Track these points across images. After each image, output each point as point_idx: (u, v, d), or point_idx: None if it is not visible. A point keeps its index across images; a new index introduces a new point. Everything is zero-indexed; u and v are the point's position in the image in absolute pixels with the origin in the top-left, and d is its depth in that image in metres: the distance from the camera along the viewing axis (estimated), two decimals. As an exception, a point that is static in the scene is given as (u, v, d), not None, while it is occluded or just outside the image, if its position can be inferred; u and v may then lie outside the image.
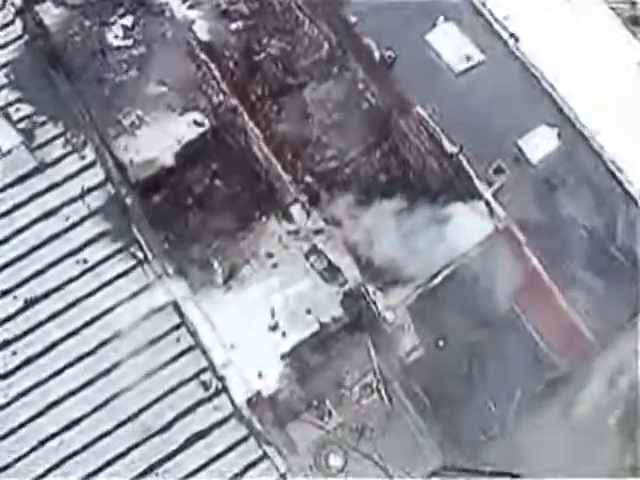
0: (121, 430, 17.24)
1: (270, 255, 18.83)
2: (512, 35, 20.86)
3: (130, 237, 18.45)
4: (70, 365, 17.58)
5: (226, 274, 18.59)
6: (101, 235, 18.44)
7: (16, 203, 18.46)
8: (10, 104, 19.18)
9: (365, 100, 20.56)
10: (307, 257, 18.71)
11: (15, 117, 19.04)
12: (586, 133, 20.39)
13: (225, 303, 18.29)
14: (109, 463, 17.01)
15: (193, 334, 17.81)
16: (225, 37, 20.67)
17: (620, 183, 20.15)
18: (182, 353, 17.75)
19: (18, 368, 17.52)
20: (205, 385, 17.59)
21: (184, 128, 19.42)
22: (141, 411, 17.36)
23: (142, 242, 18.41)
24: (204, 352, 17.72)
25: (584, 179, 20.13)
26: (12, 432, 17.13)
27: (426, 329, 18.88)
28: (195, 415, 17.42)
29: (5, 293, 17.96)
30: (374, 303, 18.45)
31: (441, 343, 19.01)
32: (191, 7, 20.67)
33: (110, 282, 18.13)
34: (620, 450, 19.40)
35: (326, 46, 20.91)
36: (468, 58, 20.70)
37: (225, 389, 17.53)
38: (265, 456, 17.30)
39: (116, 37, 20.09)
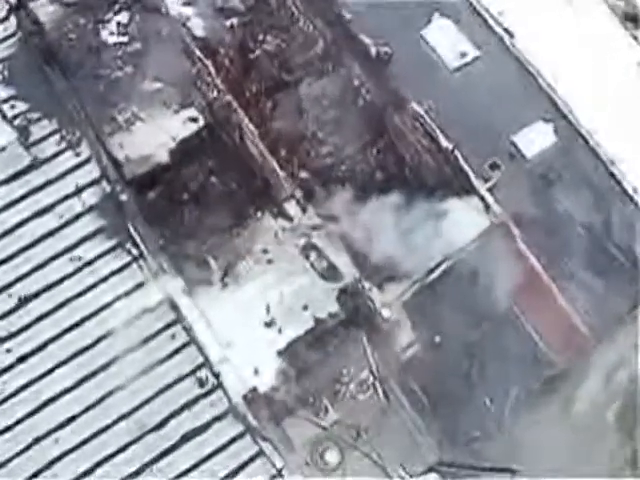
0: (117, 427, 17.17)
1: (266, 251, 18.80)
2: (507, 31, 20.85)
3: (125, 234, 18.40)
4: (65, 362, 17.51)
5: (222, 271, 18.54)
6: (96, 232, 18.39)
7: (10, 200, 18.39)
8: (5, 101, 19.11)
9: (360, 96, 20.54)
10: (303, 253, 18.68)
11: (10, 114, 18.98)
12: (581, 129, 20.37)
13: (221, 300, 18.25)
14: (105, 460, 16.94)
15: (189, 331, 17.76)
16: (220, 34, 20.64)
17: (616, 179, 20.13)
18: (178, 350, 17.70)
19: (12, 366, 17.45)
20: (201, 382, 17.55)
21: (179, 125, 19.38)
22: (137, 408, 17.30)
23: (137, 239, 18.36)
24: (200, 349, 17.68)
25: (580, 174, 20.12)
26: (7, 430, 17.05)
27: (422, 325, 18.85)
28: (191, 412, 17.37)
29: (-1, 291, 17.93)
30: (370, 299, 18.42)
31: (437, 339, 18.97)
32: (186, 4, 20.64)
33: (105, 279, 18.08)
34: (619, 446, 19.36)
35: (321, 43, 20.91)
36: (463, 54, 20.69)
37: (221, 386, 17.48)
38: (261, 452, 17.25)
39: (111, 34, 20.05)
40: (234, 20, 20.91)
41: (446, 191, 19.38)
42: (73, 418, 17.17)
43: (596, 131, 20.24)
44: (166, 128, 19.31)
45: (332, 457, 18.10)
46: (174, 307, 17.94)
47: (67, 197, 18.54)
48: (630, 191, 20.05)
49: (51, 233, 18.26)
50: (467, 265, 18.85)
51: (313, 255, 18.67)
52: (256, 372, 17.67)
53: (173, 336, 17.78)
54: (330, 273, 18.53)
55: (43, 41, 19.66)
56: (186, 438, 17.22)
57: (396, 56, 20.43)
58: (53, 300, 17.83)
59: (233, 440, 17.30)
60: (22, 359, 17.48)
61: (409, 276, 18.73)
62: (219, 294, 18.38)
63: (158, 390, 17.43)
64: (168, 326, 17.84)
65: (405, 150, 19.99)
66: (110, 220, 18.50)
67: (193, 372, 17.58)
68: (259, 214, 19.21)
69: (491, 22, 21.02)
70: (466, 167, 19.47)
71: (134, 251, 18.30)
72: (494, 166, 19.70)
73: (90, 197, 18.61)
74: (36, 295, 17.84)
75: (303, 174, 19.71)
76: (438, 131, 19.70)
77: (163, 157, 19.12)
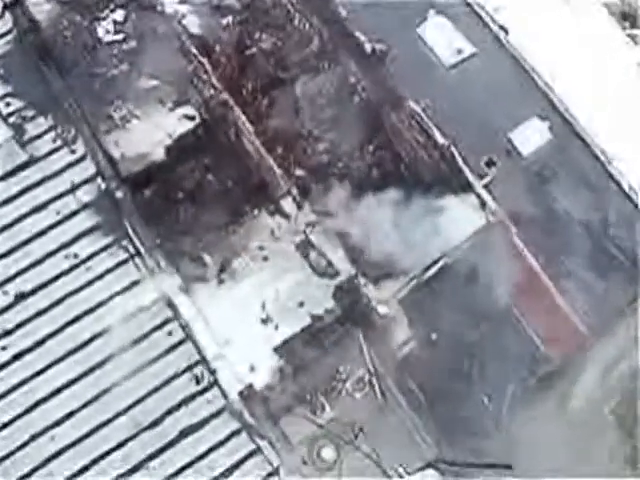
0: (113, 424, 17.13)
1: (262, 248, 18.78)
2: (502, 28, 20.88)
3: (121, 231, 18.36)
4: (61, 359, 17.47)
5: (218, 268, 18.52)
6: (92, 229, 18.35)
7: (6, 197, 18.35)
8: (0, 98, 19.05)
9: (356, 94, 20.54)
10: (299, 250, 18.66)
11: (5, 111, 18.92)
12: (577, 126, 20.39)
13: (217, 297, 18.22)
14: (101, 457, 16.90)
15: (185, 328, 17.73)
16: (216, 32, 20.64)
17: (612, 176, 20.15)
18: (174, 347, 17.67)
19: (8, 363, 17.39)
20: (197, 379, 17.51)
21: (175, 122, 19.35)
22: (133, 405, 17.25)
23: (133, 236, 18.33)
24: (196, 346, 17.64)
25: (575, 172, 20.15)
26: (3, 427, 17.00)
27: (419, 322, 18.85)
28: (187, 409, 17.34)
29: (-5, 288, 17.89)
30: (366, 296, 18.41)
31: (434, 336, 18.97)
32: (182, 1, 20.62)
33: (101, 276, 18.05)
34: (618, 444, 19.36)
35: (317, 40, 20.90)
36: (459, 51, 20.73)
37: (217, 382, 17.45)
38: (258, 450, 17.22)
39: (107, 32, 20.02)
40: (230, 18, 20.90)
41: (443, 188, 19.39)
42: (69, 415, 17.12)
43: (593, 129, 20.25)
44: (162, 126, 19.29)
45: (329, 455, 18.08)
46: (170, 304, 17.90)
47: (63, 194, 18.50)
48: (627, 189, 20.06)
49: (47, 230, 18.22)
50: (463, 262, 18.85)
51: (309, 252, 18.64)
52: (252, 369, 17.65)
53: (169, 333, 17.75)
54: (326, 270, 18.51)
55: (39, 39, 19.62)
56: (183, 435, 17.18)
57: (392, 53, 20.46)
58: (49, 297, 17.78)
59: (229, 437, 17.26)
60: (18, 356, 17.43)
61: (405, 273, 18.73)
62: (215, 291, 18.35)
63: (154, 387, 17.40)
64: (164, 323, 17.80)
65: (401, 147, 20.00)
66: (106, 217, 18.47)
67: (189, 369, 17.54)
68: (255, 211, 19.20)
69: (487, 19, 21.05)
70: (462, 164, 19.46)
71: (130, 248, 18.27)
72: (490, 163, 19.72)
73: (86, 194, 18.56)
74: (32, 292, 17.80)
75: (299, 171, 19.71)
76: (434, 128, 19.71)
77: (159, 155, 19.09)
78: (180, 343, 17.70)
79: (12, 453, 16.85)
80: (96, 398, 17.28)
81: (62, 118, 19.07)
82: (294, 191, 19.09)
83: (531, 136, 20.21)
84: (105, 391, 17.32)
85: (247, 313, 18.10)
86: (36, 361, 17.45)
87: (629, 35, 22.34)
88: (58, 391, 17.29)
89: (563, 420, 19.07)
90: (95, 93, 19.43)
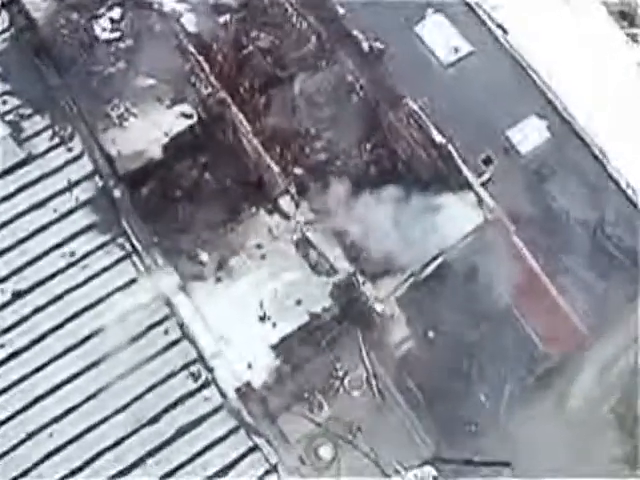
0: (111, 422, 17.08)
1: (259, 246, 18.78)
2: (500, 26, 20.89)
3: (118, 229, 18.33)
4: (58, 357, 17.42)
5: (215, 266, 18.50)
6: (89, 227, 18.31)
7: (3, 195, 18.32)
8: (-3, 96, 19.12)
9: (354, 92, 20.54)
10: (297, 248, 18.66)
11: (2, 109, 18.90)
12: (575, 125, 20.40)
13: (214, 295, 18.21)
14: (99, 455, 16.85)
15: (182, 326, 17.69)
16: (214, 30, 20.62)
17: (610, 174, 20.15)
18: (171, 345, 17.62)
19: (6, 360, 17.34)
20: (194, 376, 17.46)
21: (173, 120, 19.33)
22: (130, 403, 17.20)
23: (130, 234, 18.29)
24: (193, 343, 17.59)
25: (574, 170, 20.14)
26: (1, 424, 16.95)
27: (417, 320, 18.84)
28: (184, 406, 17.28)
29: (-8, 285, 17.85)
30: (364, 294, 18.38)
31: (431, 335, 18.95)
32: (179, 0, 20.60)
33: (98, 274, 18.00)
34: (618, 443, 19.35)
35: (315, 39, 20.90)
36: (457, 50, 20.75)
37: (214, 380, 17.40)
38: (256, 447, 17.15)
39: (104, 30, 20.00)
40: (227, 16, 20.90)
41: (440, 186, 19.36)
42: (67, 413, 17.07)
43: (592, 128, 20.26)
44: (159, 124, 19.27)
45: (326, 453, 18.09)
46: (167, 302, 17.86)
47: (60, 192, 18.46)
48: (624, 187, 20.05)
49: (44, 228, 18.19)
50: (461, 260, 18.82)
51: (307, 250, 18.63)
52: (250, 367, 17.62)
53: (166, 331, 17.70)
54: (324, 268, 18.50)
55: (36, 37, 19.61)
56: (180, 433, 17.13)
57: (390, 52, 20.45)
58: (46, 295, 17.74)
59: (227, 435, 17.20)
60: (16, 354, 17.38)
61: (403, 271, 18.70)
62: (213, 289, 18.34)
63: (152, 385, 17.34)
64: (161, 321, 17.76)
65: (399, 145, 19.99)
66: (103, 215, 18.44)
67: (186, 367, 17.49)
68: (253, 209, 19.21)
69: (484, 18, 21.06)
70: (460, 162, 19.45)
71: (127, 246, 18.24)
72: (488, 161, 19.72)
73: (83, 192, 18.53)
74: (29, 290, 17.76)
75: (297, 170, 19.70)
76: (432, 126, 19.68)
77: (156, 153, 19.07)
78: (177, 341, 17.66)
79: (12, 449, 16.79)
80: (93, 396, 17.22)
81: (59, 116, 19.05)
82: (292, 189, 19.08)
83: (529, 134, 20.22)
84: (102, 389, 17.26)
85: (245, 311, 18.09)
86: (33, 359, 17.39)
87: (628, 34, 22.35)
88: (55, 389, 17.23)
89: (561, 419, 19.05)
90: (92, 91, 19.41)
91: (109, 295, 17.86)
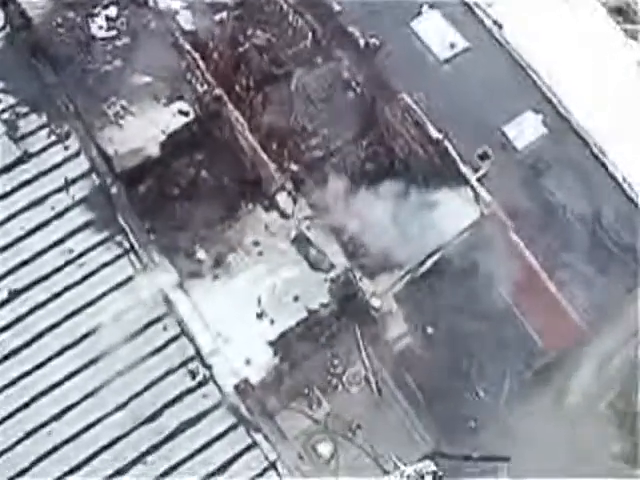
0: (109, 420, 17.02)
1: (256, 243, 18.77)
2: (496, 22, 20.91)
3: (116, 226, 18.27)
4: (56, 355, 17.36)
5: (213, 263, 18.49)
6: (86, 225, 18.27)
7: (0, 194, 18.31)
8: (-7, 95, 19.10)
9: (351, 88, 20.55)
10: (294, 244, 18.64)
11: (-2, 108, 18.97)
12: (572, 120, 20.41)
13: (212, 292, 18.19)
14: (98, 452, 16.78)
15: (180, 323, 17.65)
16: (210, 28, 20.60)
17: (606, 169, 20.16)
18: (169, 342, 17.57)
19: (4, 359, 17.30)
20: (192, 373, 17.42)
21: (169, 118, 19.27)
22: (129, 400, 17.15)
23: (128, 232, 18.26)
24: (191, 340, 17.56)
25: (570, 165, 20.15)
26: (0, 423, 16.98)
27: (415, 316, 18.84)
28: (183, 404, 17.23)
29: (-11, 284, 17.82)
30: (361, 290, 18.38)
31: (429, 330, 18.96)
32: (175, -3, 20.65)
33: (96, 272, 17.94)
34: (617, 441, 19.37)
35: (310, 36, 20.90)
36: (453, 45, 20.74)
37: (213, 377, 17.37)
38: (254, 444, 17.12)
39: (100, 28, 19.98)
40: (224, 14, 20.87)
41: (437, 182, 19.34)
42: (65, 411, 17.03)
43: (590, 126, 20.27)
44: (156, 122, 19.23)
45: (325, 450, 18.07)
46: (165, 299, 17.82)
47: (57, 190, 18.40)
48: (621, 181, 20.06)
49: (41, 226, 18.14)
50: (459, 256, 18.83)
51: (304, 246, 18.62)
52: (248, 363, 17.59)
53: (164, 328, 17.66)
54: (322, 264, 18.49)
55: (32, 35, 19.55)
56: (179, 430, 17.07)
57: (386, 48, 20.45)
58: (44, 293, 17.68)
59: (226, 432, 17.16)
60: (14, 352, 17.33)
61: (401, 267, 18.71)
62: (210, 286, 18.32)
63: (150, 383, 17.29)
64: (159, 318, 17.71)
65: (395, 141, 19.99)
66: (100, 213, 18.38)
67: (184, 364, 17.45)
68: (250, 206, 19.20)
69: (480, 14, 21.06)
70: (456, 157, 19.45)
71: (125, 244, 18.20)
72: (484, 156, 19.71)
73: (80, 190, 18.47)
74: (27, 288, 17.71)
75: (294, 166, 19.69)
76: (428, 122, 19.68)
77: (153, 150, 19.03)
78: (175, 338, 17.62)
79: (11, 447, 16.74)
80: (92, 394, 17.16)
81: (56, 114, 19.00)
82: (289, 186, 19.09)
83: (525, 129, 20.22)
84: (100, 387, 17.19)
85: (242, 308, 18.06)
86: (30, 357, 17.34)
87: (627, 31, 22.37)
88: (53, 387, 17.19)
89: (560, 415, 19.05)
90: (89, 89, 19.36)
91: (106, 293, 17.80)
